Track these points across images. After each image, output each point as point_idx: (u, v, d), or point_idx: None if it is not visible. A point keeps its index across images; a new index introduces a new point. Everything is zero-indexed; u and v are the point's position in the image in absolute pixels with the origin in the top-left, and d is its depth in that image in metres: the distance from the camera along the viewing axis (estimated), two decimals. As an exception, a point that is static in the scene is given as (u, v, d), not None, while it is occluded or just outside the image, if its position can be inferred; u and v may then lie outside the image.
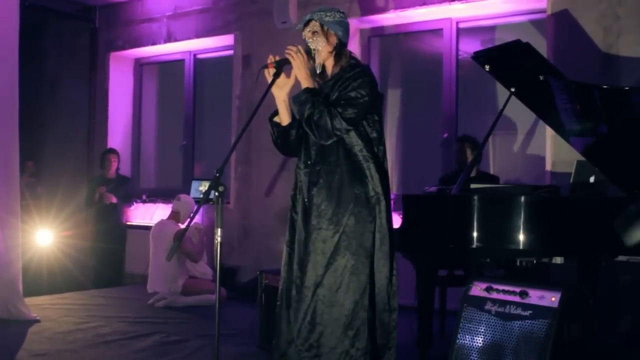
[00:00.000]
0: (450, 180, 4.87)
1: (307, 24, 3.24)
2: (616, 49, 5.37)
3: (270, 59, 3.16)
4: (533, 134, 6.73)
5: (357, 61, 3.28)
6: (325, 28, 3.19)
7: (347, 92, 3.07)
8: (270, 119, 3.32)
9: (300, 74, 3.12)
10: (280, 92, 3.18)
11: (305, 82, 3.12)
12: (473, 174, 5.29)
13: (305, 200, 3.17)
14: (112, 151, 8.30)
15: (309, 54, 3.20)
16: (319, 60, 3.21)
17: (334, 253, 3.06)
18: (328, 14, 3.21)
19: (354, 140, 3.11)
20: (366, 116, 3.12)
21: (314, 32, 3.20)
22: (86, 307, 6.21)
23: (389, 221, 3.16)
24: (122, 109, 9.32)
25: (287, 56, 3.12)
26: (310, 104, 3.05)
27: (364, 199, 3.08)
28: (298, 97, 3.10)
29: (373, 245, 3.10)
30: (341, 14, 3.26)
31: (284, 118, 3.25)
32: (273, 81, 3.12)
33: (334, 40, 3.20)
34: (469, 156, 5.37)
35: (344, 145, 3.11)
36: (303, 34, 3.25)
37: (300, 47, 3.16)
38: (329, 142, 3.08)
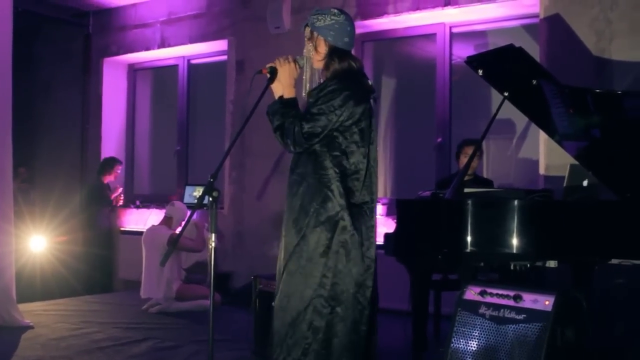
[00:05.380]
0: (448, 184, 4.85)
1: (305, 28, 3.17)
2: (609, 53, 5.39)
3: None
4: (526, 138, 6.75)
5: (350, 71, 3.13)
6: (315, 34, 3.11)
7: (316, 105, 3.00)
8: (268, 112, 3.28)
9: (284, 81, 3.08)
10: (278, 86, 3.10)
11: (287, 92, 3.07)
12: (470, 177, 5.29)
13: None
14: (120, 162, 8.54)
15: (298, 63, 3.15)
16: (315, 67, 3.17)
17: (288, 262, 3.04)
18: (319, 17, 3.10)
19: (326, 153, 3.03)
20: (334, 130, 3.01)
21: (308, 39, 3.14)
22: (80, 313, 6.19)
23: (355, 239, 3.04)
24: (115, 115, 9.32)
25: (276, 63, 3.09)
26: (279, 115, 3.01)
27: (324, 214, 3.00)
28: (271, 106, 3.07)
29: (334, 263, 3.00)
30: (333, 17, 3.10)
31: None
32: (267, 87, 3.10)
33: (323, 47, 3.10)
34: (474, 160, 5.32)
35: (315, 158, 3.04)
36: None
37: (290, 56, 3.12)
38: (297, 151, 3.03)
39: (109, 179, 8.32)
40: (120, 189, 8.63)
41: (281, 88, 3.10)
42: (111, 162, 8.42)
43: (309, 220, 3.01)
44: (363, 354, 3.07)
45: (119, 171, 8.44)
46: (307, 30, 3.15)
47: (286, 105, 3.05)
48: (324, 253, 3.00)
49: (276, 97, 3.12)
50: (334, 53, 3.11)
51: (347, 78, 3.09)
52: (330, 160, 3.03)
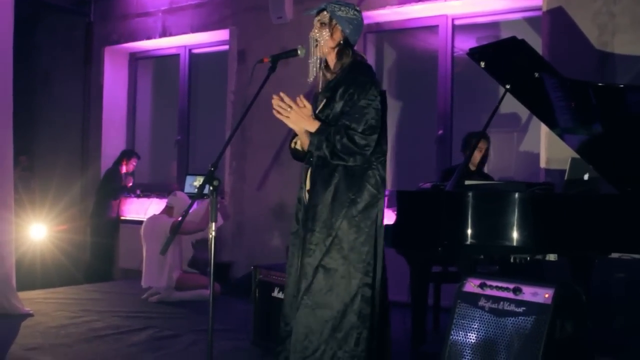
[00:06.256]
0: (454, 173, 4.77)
1: (319, 12, 3.20)
2: (611, 47, 5.38)
3: None
4: (528, 131, 6.75)
5: (361, 59, 3.22)
6: (334, 22, 3.14)
7: (352, 101, 3.04)
8: (290, 144, 3.29)
9: (305, 125, 3.07)
10: (296, 127, 3.11)
11: (311, 128, 3.07)
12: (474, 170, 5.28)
13: (306, 198, 3.17)
14: (138, 157, 8.58)
15: (293, 54, 3.16)
16: (320, 52, 3.17)
17: (324, 256, 3.04)
18: (342, 8, 3.16)
19: None
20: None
21: (322, 23, 3.16)
22: (80, 301, 6.20)
23: (383, 222, 3.15)
24: (116, 104, 9.31)
25: (279, 117, 3.07)
26: (325, 142, 3.01)
27: (361, 203, 3.05)
28: (312, 144, 3.06)
29: (374, 249, 3.07)
30: (355, 12, 3.20)
31: (305, 146, 3.17)
32: (268, 76, 3.10)
33: (338, 36, 3.15)
34: (476, 152, 5.31)
35: None
36: (313, 21, 3.22)
37: (284, 99, 3.07)
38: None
39: (123, 169, 8.38)
40: (132, 180, 8.63)
41: (303, 115, 3.08)
42: (129, 153, 8.52)
43: (345, 212, 3.04)
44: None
45: (134, 163, 8.46)
46: (325, 15, 3.17)
47: (321, 132, 3.05)
48: (365, 241, 3.05)
49: (305, 146, 3.12)
50: (349, 45, 3.19)
51: (367, 67, 3.18)
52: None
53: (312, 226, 3.08)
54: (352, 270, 3.04)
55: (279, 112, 3.07)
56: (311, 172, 3.16)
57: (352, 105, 3.04)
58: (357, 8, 3.24)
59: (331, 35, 3.15)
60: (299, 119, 3.07)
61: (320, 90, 3.25)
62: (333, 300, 3.02)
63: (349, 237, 3.04)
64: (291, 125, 3.09)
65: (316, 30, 3.17)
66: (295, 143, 3.24)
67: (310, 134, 3.06)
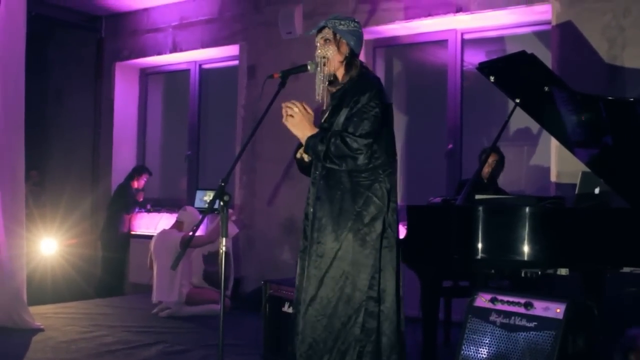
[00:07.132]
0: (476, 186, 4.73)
1: (320, 30, 3.24)
2: (621, 61, 5.37)
3: None
4: (538, 145, 6.73)
5: (367, 71, 3.27)
6: (338, 36, 3.19)
7: (356, 108, 3.06)
8: (295, 153, 3.32)
9: (308, 127, 3.12)
10: (298, 132, 3.15)
11: (309, 133, 3.12)
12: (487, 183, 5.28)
13: (311, 212, 3.18)
14: (149, 173, 8.64)
15: (303, 69, 3.21)
16: (329, 69, 3.20)
17: (329, 268, 3.05)
18: (342, 22, 3.21)
19: (369, 155, 3.08)
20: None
21: (326, 40, 3.20)
22: (90, 316, 6.21)
23: (397, 236, 3.15)
24: (127, 119, 9.35)
25: (286, 121, 3.12)
26: (319, 144, 3.05)
27: (367, 216, 3.06)
28: (308, 146, 3.11)
29: (379, 262, 3.07)
30: (355, 24, 3.25)
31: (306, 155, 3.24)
32: (278, 91, 3.13)
33: (345, 49, 3.19)
34: (487, 166, 5.31)
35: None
36: (315, 40, 3.25)
37: (294, 104, 3.13)
38: (363, 158, 3.02)
39: (134, 184, 8.43)
40: (142, 196, 8.67)
41: (304, 120, 3.13)
42: (141, 169, 8.59)
43: (351, 224, 3.05)
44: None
45: (144, 179, 8.51)
46: (328, 32, 3.21)
47: (317, 135, 3.09)
48: (370, 254, 3.05)
49: (302, 141, 3.16)
50: (355, 57, 3.23)
51: (373, 77, 3.22)
52: (374, 159, 3.06)
53: (318, 238, 3.10)
54: (357, 283, 3.04)
55: (286, 112, 3.12)
56: (316, 187, 3.17)
57: (354, 111, 3.07)
58: (356, 20, 3.29)
59: (338, 49, 3.19)
60: (302, 121, 3.11)
61: (325, 104, 3.28)
62: (337, 312, 3.03)
63: (354, 249, 3.05)
64: (294, 128, 3.13)
65: (322, 48, 3.20)
66: (302, 154, 3.26)
67: (307, 137, 3.11)
